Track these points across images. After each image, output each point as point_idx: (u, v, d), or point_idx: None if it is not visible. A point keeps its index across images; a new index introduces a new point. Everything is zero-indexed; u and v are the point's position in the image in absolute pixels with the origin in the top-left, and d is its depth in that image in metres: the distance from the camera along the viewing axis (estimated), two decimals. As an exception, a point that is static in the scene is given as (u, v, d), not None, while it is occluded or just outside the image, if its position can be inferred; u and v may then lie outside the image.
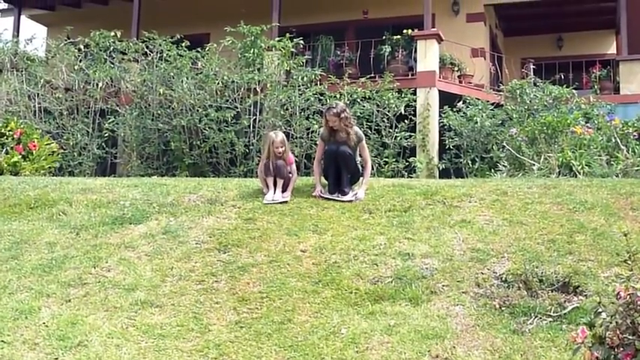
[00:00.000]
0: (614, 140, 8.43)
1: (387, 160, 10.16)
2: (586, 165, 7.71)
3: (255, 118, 10.66)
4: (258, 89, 10.67)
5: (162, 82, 11.09)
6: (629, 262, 3.03)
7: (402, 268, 4.93)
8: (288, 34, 10.91)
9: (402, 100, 10.44)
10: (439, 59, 11.68)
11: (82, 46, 11.89)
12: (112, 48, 11.67)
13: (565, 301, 4.35)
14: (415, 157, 10.57)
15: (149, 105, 11.23)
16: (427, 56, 11.40)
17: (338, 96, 10.38)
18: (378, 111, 10.41)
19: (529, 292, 4.48)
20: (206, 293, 4.81)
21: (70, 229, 6.00)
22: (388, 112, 10.40)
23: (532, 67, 12.36)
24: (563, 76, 12.03)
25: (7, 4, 16.47)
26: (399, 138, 10.33)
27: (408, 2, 13.00)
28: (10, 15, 16.27)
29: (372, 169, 7.89)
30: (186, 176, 9.89)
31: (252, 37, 10.96)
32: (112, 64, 11.67)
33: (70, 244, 5.71)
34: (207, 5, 14.57)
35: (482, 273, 4.79)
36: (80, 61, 11.85)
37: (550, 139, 8.51)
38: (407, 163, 10.31)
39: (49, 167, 9.23)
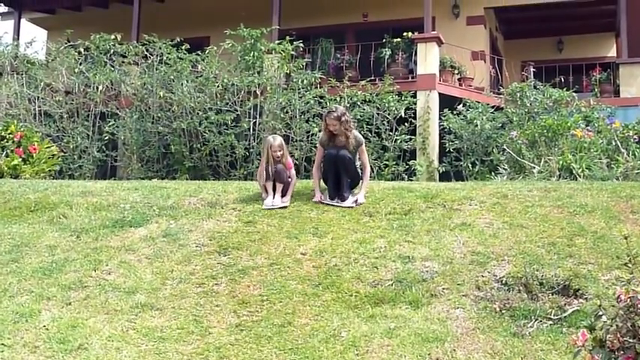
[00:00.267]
0: (614, 143, 8.43)
1: (387, 163, 10.17)
2: (586, 168, 7.70)
3: (255, 121, 10.67)
4: (258, 92, 10.68)
5: (162, 85, 11.10)
6: (630, 265, 3.03)
7: (402, 271, 4.92)
8: (288, 37, 10.92)
9: (402, 103, 10.45)
10: (439, 62, 11.71)
11: (82, 50, 11.91)
12: (112, 51, 11.71)
13: (565, 304, 4.34)
14: (415, 160, 10.58)
15: (149, 108, 11.25)
16: (427, 59, 11.41)
17: (338, 99, 10.39)
18: (378, 114, 10.42)
19: (529, 295, 4.48)
20: (206, 296, 4.81)
21: (71, 232, 6.00)
22: (388, 115, 10.40)
23: (532, 70, 12.37)
24: (563, 79, 12.05)
25: (7, 8, 16.51)
26: (399, 141, 10.34)
27: (408, 5, 13.03)
28: (11, 18, 16.31)
29: (372, 171, 7.89)
30: (187, 179, 9.90)
31: (252, 40, 10.98)
32: (112, 67, 11.70)
33: (71, 247, 5.71)
34: (207, 8, 14.59)
35: (483, 276, 4.78)
36: (80, 64, 11.87)
37: (550, 142, 8.50)
38: (407, 166, 10.32)
39: (50, 170, 9.23)
